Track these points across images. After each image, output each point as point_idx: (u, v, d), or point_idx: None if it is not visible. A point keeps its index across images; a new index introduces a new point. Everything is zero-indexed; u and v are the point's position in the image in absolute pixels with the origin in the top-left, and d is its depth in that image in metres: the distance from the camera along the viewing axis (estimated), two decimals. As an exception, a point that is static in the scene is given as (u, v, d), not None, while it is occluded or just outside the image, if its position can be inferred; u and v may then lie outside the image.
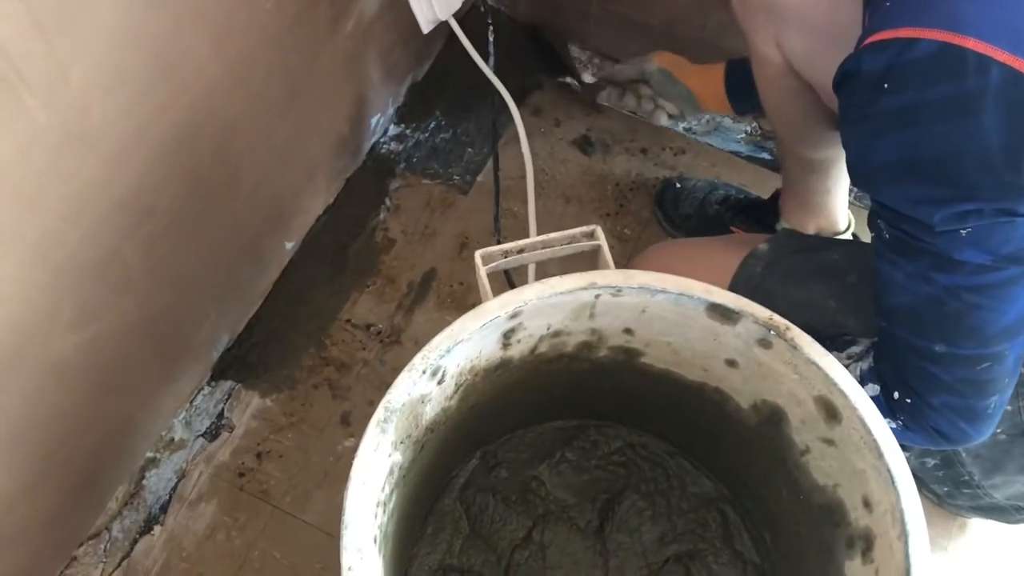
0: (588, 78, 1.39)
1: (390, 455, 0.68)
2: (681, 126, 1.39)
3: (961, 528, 1.11)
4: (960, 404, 0.72)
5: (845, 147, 0.70)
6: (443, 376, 0.71)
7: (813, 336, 0.73)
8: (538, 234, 1.05)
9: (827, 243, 0.98)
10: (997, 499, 0.93)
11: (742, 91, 1.15)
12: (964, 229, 0.63)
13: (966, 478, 0.90)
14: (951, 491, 0.95)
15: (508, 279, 1.09)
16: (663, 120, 1.25)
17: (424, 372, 0.67)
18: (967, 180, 0.61)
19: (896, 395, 0.75)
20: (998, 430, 0.82)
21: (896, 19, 0.61)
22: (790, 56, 0.89)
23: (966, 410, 0.72)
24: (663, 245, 1.14)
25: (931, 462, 0.94)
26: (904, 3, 0.61)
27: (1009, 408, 0.81)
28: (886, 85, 0.61)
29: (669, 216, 1.27)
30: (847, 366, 0.80)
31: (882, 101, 0.62)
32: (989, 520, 1.05)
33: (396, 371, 0.69)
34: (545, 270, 1.06)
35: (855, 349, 0.82)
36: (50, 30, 0.66)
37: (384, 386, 0.70)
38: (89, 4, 0.69)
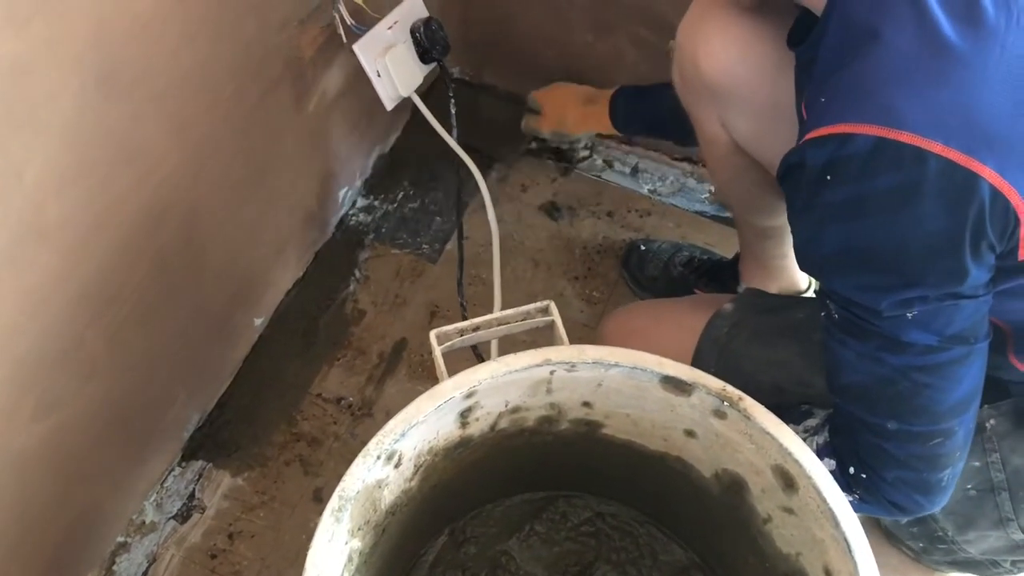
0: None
1: (347, 542, 0.68)
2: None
3: (941, 585, 1.10)
4: (914, 478, 0.73)
5: (793, 235, 0.72)
6: (400, 460, 0.71)
7: (779, 396, 0.73)
8: (503, 306, 1.06)
9: (791, 302, 1.00)
10: (972, 554, 0.93)
11: (625, 117, 1.22)
12: (910, 313, 0.65)
13: (940, 534, 0.90)
14: (927, 547, 0.95)
15: (476, 351, 1.09)
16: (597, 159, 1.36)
17: (379, 458, 0.67)
18: (911, 268, 0.63)
19: (852, 470, 0.76)
20: (968, 485, 0.82)
21: (833, 116, 0.62)
22: (735, 135, 0.91)
23: (920, 484, 0.73)
24: (632, 306, 1.15)
25: (904, 519, 0.94)
26: (838, 99, 0.63)
27: (977, 464, 0.82)
28: (829, 178, 0.63)
29: (636, 278, 1.28)
30: (804, 440, 0.80)
31: (826, 193, 0.64)
32: (968, 576, 1.04)
33: (365, 446, 0.69)
34: (516, 338, 1.07)
35: (811, 422, 0.83)
36: (3, 132, 0.68)
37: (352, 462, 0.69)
38: (44, 103, 0.71)
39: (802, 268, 0.73)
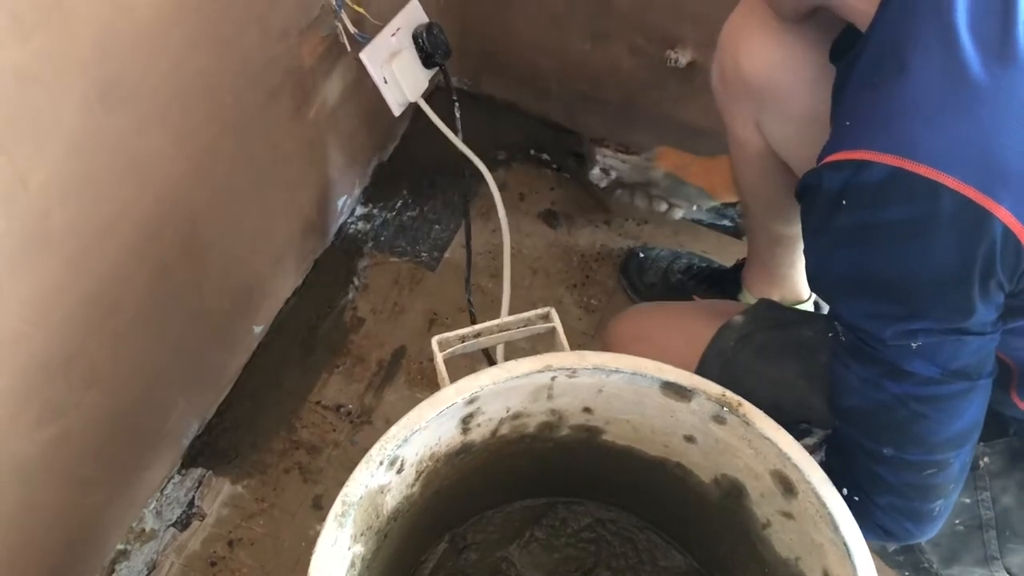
0: (598, 176, 1.32)
1: (350, 548, 0.68)
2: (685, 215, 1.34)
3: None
4: (906, 506, 0.73)
5: (805, 255, 0.72)
6: (402, 465, 0.72)
7: (778, 415, 0.73)
8: (510, 311, 1.07)
9: (802, 318, 0.98)
10: None
11: None
12: (914, 343, 0.65)
13: (925, 565, 0.90)
14: (912, 576, 0.95)
15: (487, 353, 1.09)
16: (679, 215, 1.27)
17: (382, 463, 0.68)
18: (918, 300, 0.63)
19: (845, 491, 0.75)
20: (956, 520, 0.82)
21: (853, 140, 0.62)
22: (770, 139, 0.91)
23: (911, 512, 0.73)
24: (642, 308, 1.13)
25: (891, 546, 0.94)
26: (861, 125, 0.63)
27: (967, 500, 0.81)
28: (844, 202, 0.63)
29: (634, 285, 1.29)
30: None
31: (839, 217, 0.63)
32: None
33: (367, 451, 0.69)
34: (515, 345, 1.07)
35: (809, 441, 0.83)
36: (8, 141, 0.68)
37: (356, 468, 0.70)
38: (48, 113, 0.71)
39: (812, 289, 0.73)
